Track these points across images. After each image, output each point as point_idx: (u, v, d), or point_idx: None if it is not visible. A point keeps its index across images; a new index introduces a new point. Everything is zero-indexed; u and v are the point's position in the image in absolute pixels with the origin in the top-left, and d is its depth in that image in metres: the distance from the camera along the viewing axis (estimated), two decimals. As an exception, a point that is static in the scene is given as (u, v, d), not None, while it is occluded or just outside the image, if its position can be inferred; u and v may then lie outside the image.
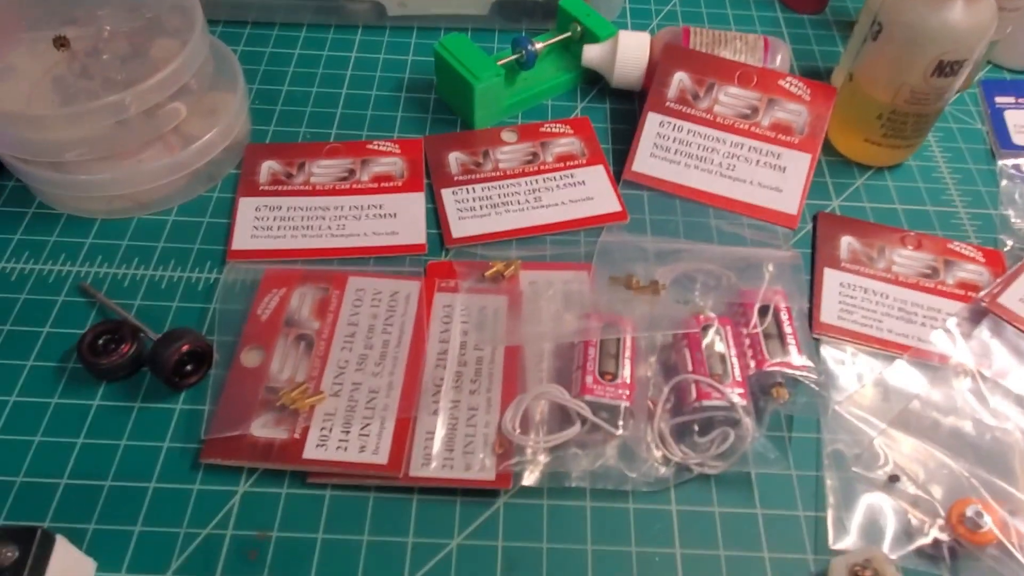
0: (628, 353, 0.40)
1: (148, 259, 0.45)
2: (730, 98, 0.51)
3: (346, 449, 0.38)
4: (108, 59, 0.48)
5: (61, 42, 0.45)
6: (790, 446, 0.40)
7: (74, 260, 0.45)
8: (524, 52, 0.53)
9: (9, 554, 0.30)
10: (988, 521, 0.36)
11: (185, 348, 0.39)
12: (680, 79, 0.52)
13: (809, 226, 0.49)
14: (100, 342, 0.40)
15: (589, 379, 0.39)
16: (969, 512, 0.36)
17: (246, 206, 0.48)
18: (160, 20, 0.50)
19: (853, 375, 0.43)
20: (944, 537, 0.36)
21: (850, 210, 0.50)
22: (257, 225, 0.47)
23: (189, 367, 0.40)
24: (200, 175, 0.48)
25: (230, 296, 0.44)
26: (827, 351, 0.43)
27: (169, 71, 0.44)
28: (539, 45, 0.54)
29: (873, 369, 0.43)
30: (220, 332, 0.42)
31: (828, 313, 0.45)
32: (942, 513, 0.37)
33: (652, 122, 0.51)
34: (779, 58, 0.53)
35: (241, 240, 0.46)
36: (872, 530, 0.37)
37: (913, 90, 0.47)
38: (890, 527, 0.37)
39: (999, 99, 0.57)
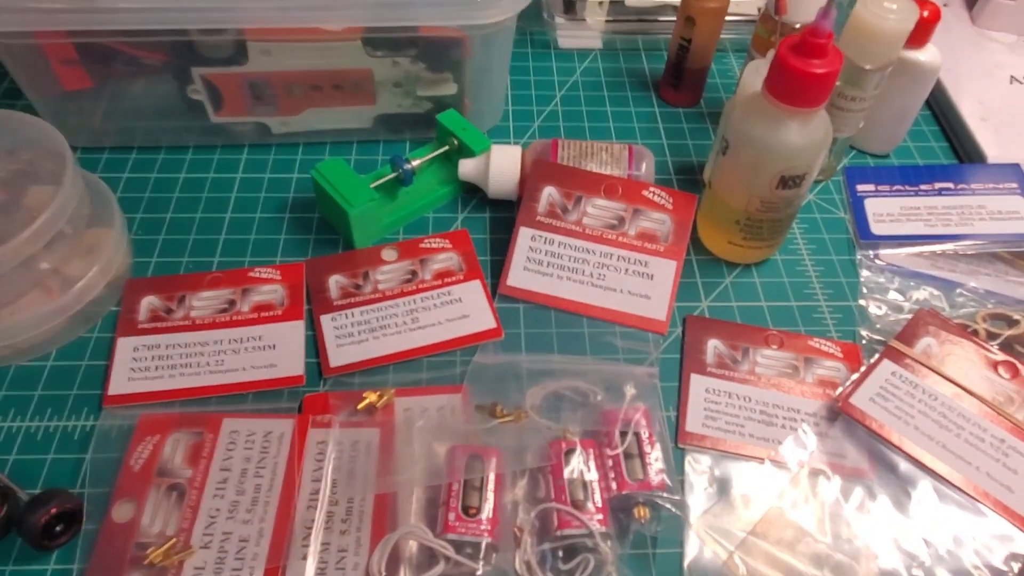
0: (492, 485, 0.41)
1: (24, 409, 0.46)
2: (597, 210, 0.54)
3: (214, 605, 0.38)
4: (-20, 209, 0.49)
5: (-75, 203, 0.46)
6: (654, 563, 0.42)
7: (-53, 416, 0.45)
8: (402, 171, 0.55)
9: None
10: (831, 636, 0.37)
11: (53, 511, 0.39)
12: (549, 193, 0.54)
13: (679, 330, 0.51)
14: (-33, 508, 0.40)
15: (452, 516, 0.40)
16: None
17: (124, 347, 0.48)
18: (34, 166, 0.51)
19: (715, 484, 0.44)
20: (792, 653, 0.38)
21: (718, 311, 0.53)
22: (135, 367, 0.47)
23: (59, 527, 0.40)
24: (79, 316, 0.49)
25: (104, 445, 0.44)
26: (690, 463, 0.45)
27: (40, 223, 0.45)
28: (416, 163, 0.56)
29: (737, 475, 0.45)
30: (91, 485, 0.42)
31: (693, 421, 0.47)
32: (790, 629, 0.39)
33: (524, 236, 0.53)
34: (644, 166, 0.55)
35: (118, 384, 0.47)
36: (727, 649, 0.39)
37: (762, 200, 0.50)
38: (743, 646, 0.39)
39: (860, 187, 0.60)
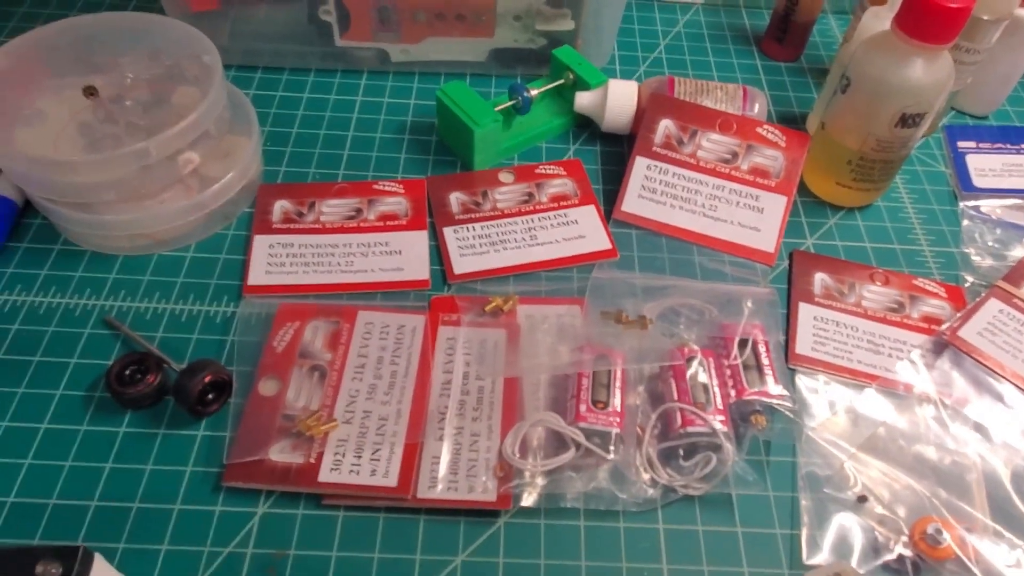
0: (618, 383, 0.43)
1: (168, 294, 0.48)
2: (712, 144, 0.55)
3: (358, 473, 0.41)
4: (131, 105, 0.51)
5: (90, 91, 0.49)
6: (768, 469, 0.43)
7: (99, 295, 0.48)
8: (520, 99, 0.57)
9: (53, 571, 0.33)
10: (947, 538, 0.39)
11: (207, 379, 0.42)
12: (666, 126, 0.56)
13: (786, 263, 0.53)
14: (127, 373, 0.43)
15: (583, 407, 0.42)
16: (930, 530, 0.39)
17: (260, 243, 0.51)
18: (180, 68, 0.53)
19: (825, 403, 0.46)
20: (908, 553, 0.40)
21: (823, 248, 0.54)
22: (271, 262, 0.50)
23: (210, 396, 0.43)
24: (216, 214, 0.52)
25: (247, 329, 0.47)
26: (801, 380, 0.47)
27: (190, 121, 0.47)
28: (534, 92, 0.58)
29: (844, 397, 0.46)
30: (238, 363, 0.45)
31: (803, 345, 0.48)
32: (906, 531, 0.40)
33: (640, 166, 0.55)
34: (756, 107, 0.57)
35: (256, 276, 0.49)
36: (842, 546, 0.40)
37: (879, 139, 0.51)
38: (859, 544, 0.40)
39: (961, 144, 0.62)
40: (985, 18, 0.54)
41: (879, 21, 0.53)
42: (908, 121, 0.50)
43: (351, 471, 0.41)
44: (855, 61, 0.50)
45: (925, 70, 0.48)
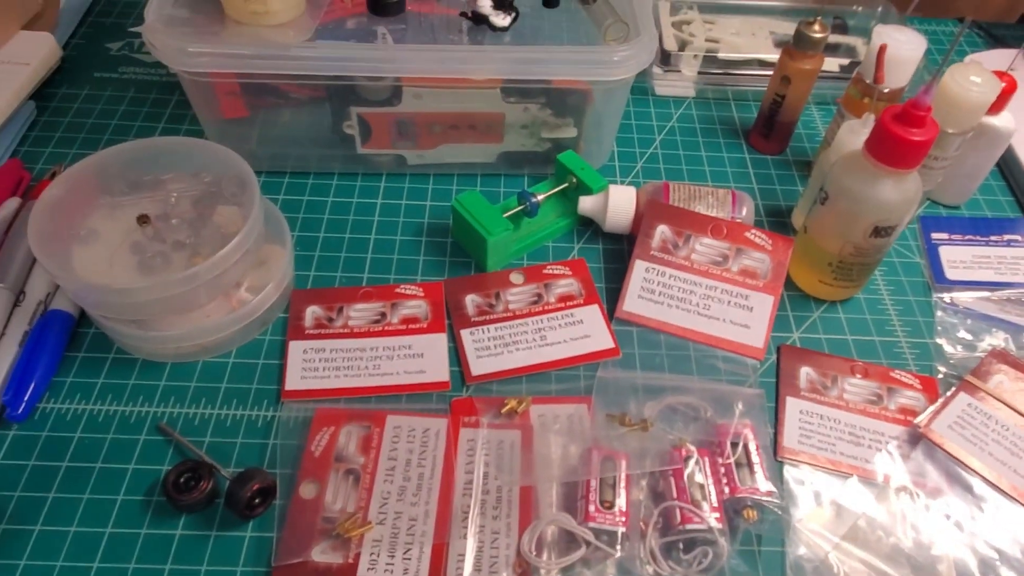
0: (623, 483, 0.48)
1: (213, 400, 0.53)
2: (705, 247, 0.61)
3: (392, 572, 0.45)
4: (176, 224, 0.57)
5: (143, 220, 0.54)
6: (759, 559, 0.48)
7: (151, 402, 0.53)
8: (528, 204, 0.62)
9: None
10: (919, 627, 0.44)
11: (255, 487, 0.47)
12: (662, 231, 0.61)
13: (774, 358, 0.58)
14: (182, 480, 0.48)
15: (592, 508, 0.47)
16: (904, 619, 0.44)
17: (295, 349, 0.56)
18: (219, 186, 0.58)
19: (811, 493, 0.51)
20: (885, 640, 0.44)
21: (808, 341, 0.59)
22: (305, 367, 0.55)
23: (256, 500, 0.48)
24: (256, 321, 0.57)
25: (286, 432, 0.52)
26: (789, 472, 0.52)
27: (235, 243, 0.52)
28: (540, 197, 0.63)
29: (829, 488, 0.51)
30: (280, 466, 0.50)
31: (790, 438, 0.53)
32: (883, 619, 0.45)
33: (639, 268, 0.60)
34: (744, 210, 0.62)
35: (293, 381, 0.54)
36: (827, 634, 0.45)
37: (856, 246, 0.56)
38: (841, 632, 0.45)
39: (935, 235, 0.67)
40: (950, 131, 0.60)
41: (854, 136, 0.59)
42: (881, 232, 0.55)
43: (386, 570, 0.45)
44: (832, 178, 0.55)
45: (894, 189, 0.53)
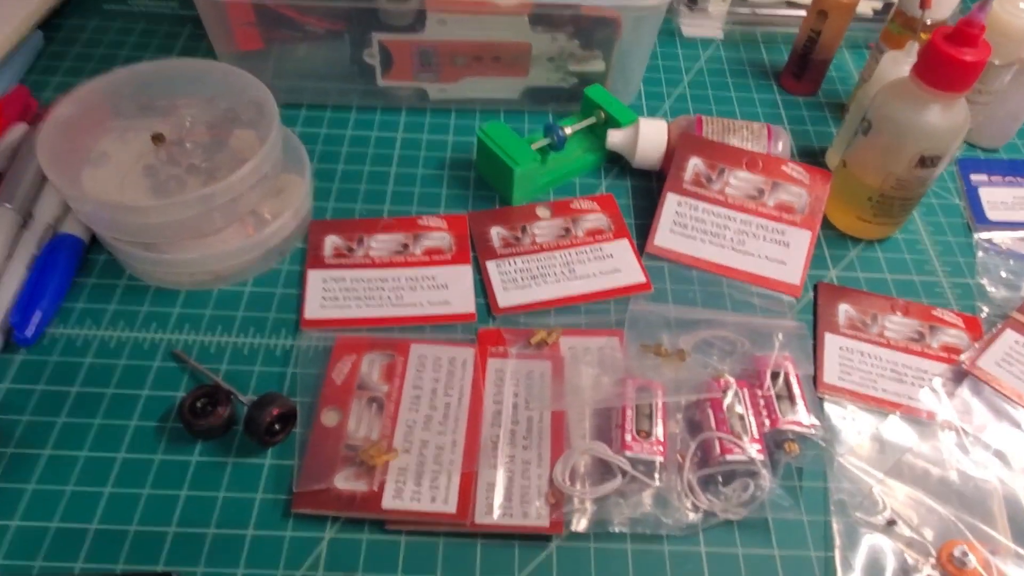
0: (660, 413, 0.46)
1: (230, 327, 0.51)
2: (739, 181, 0.58)
3: (419, 500, 0.43)
4: (191, 147, 0.54)
5: (159, 139, 0.51)
6: (801, 494, 0.46)
7: (164, 329, 0.51)
8: (555, 137, 0.60)
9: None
10: (973, 560, 0.42)
11: (276, 412, 0.45)
12: (695, 164, 0.59)
13: (811, 295, 0.56)
14: (198, 405, 0.46)
15: (628, 437, 0.45)
16: (956, 553, 0.42)
17: (314, 278, 0.54)
18: (236, 111, 0.56)
19: (853, 430, 0.49)
20: (935, 574, 0.42)
21: (846, 280, 0.57)
22: (325, 296, 0.53)
23: (276, 427, 0.46)
24: (272, 251, 0.54)
25: (306, 361, 0.49)
26: (830, 408, 0.50)
27: (252, 165, 0.50)
28: (568, 130, 0.61)
29: (870, 424, 0.49)
30: (300, 394, 0.48)
31: (830, 374, 0.51)
32: (933, 553, 0.43)
33: (671, 202, 0.58)
34: (780, 145, 0.60)
35: (312, 310, 0.52)
36: (874, 568, 0.43)
37: (898, 178, 0.54)
38: (889, 565, 0.43)
39: (974, 176, 0.65)
40: (997, 63, 0.57)
41: (897, 66, 0.56)
42: (926, 162, 0.53)
43: (412, 498, 0.43)
44: (876, 106, 0.53)
45: (942, 115, 0.51)
